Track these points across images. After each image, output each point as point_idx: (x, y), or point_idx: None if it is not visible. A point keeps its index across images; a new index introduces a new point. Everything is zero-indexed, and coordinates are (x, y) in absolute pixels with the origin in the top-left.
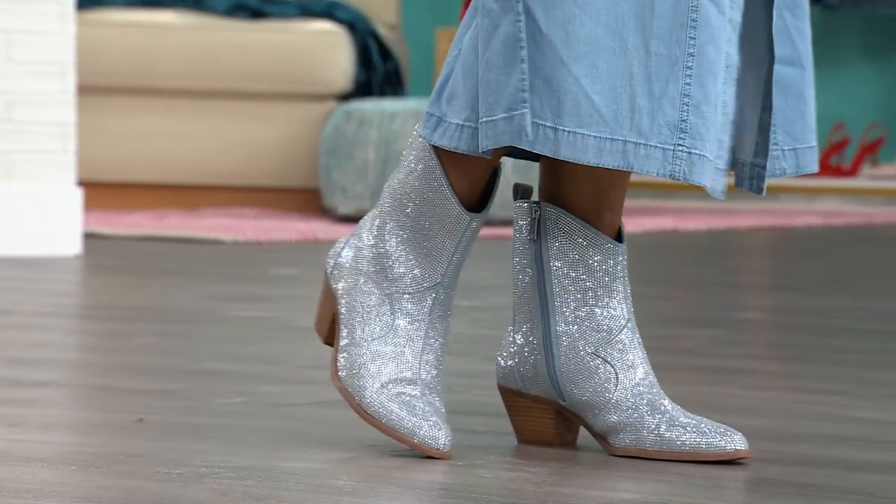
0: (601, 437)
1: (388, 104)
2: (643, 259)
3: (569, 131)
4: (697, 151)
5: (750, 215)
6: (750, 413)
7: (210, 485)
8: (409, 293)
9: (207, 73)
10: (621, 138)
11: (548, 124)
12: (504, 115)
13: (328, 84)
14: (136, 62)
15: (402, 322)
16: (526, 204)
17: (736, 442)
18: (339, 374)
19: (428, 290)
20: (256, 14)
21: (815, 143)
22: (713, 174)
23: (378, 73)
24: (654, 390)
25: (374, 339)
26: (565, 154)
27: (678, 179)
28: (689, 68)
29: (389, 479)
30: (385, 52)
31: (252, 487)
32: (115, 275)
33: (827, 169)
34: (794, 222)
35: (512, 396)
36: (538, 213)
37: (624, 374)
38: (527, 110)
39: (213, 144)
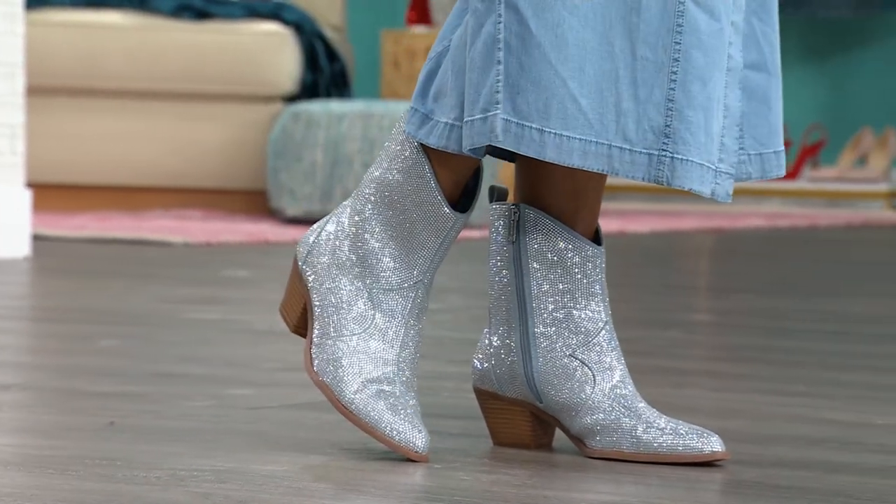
0: (578, 440)
1: (336, 106)
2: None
3: (555, 133)
4: (681, 156)
5: (693, 217)
6: (719, 415)
7: (191, 488)
8: (390, 290)
9: (153, 74)
10: (606, 142)
11: (534, 126)
12: (480, 115)
13: (275, 85)
14: (80, 63)
15: (380, 319)
16: (503, 206)
17: (713, 444)
18: (315, 367)
19: (409, 289)
20: (202, 15)
21: (781, 148)
22: (703, 178)
23: (325, 74)
24: (631, 392)
25: (352, 335)
26: (551, 156)
27: (662, 184)
28: (674, 73)
29: (371, 482)
30: (332, 54)
31: (233, 491)
32: (66, 277)
33: None
34: (739, 224)
35: (488, 398)
36: (517, 214)
37: (601, 376)
38: (499, 111)
39: (158, 146)
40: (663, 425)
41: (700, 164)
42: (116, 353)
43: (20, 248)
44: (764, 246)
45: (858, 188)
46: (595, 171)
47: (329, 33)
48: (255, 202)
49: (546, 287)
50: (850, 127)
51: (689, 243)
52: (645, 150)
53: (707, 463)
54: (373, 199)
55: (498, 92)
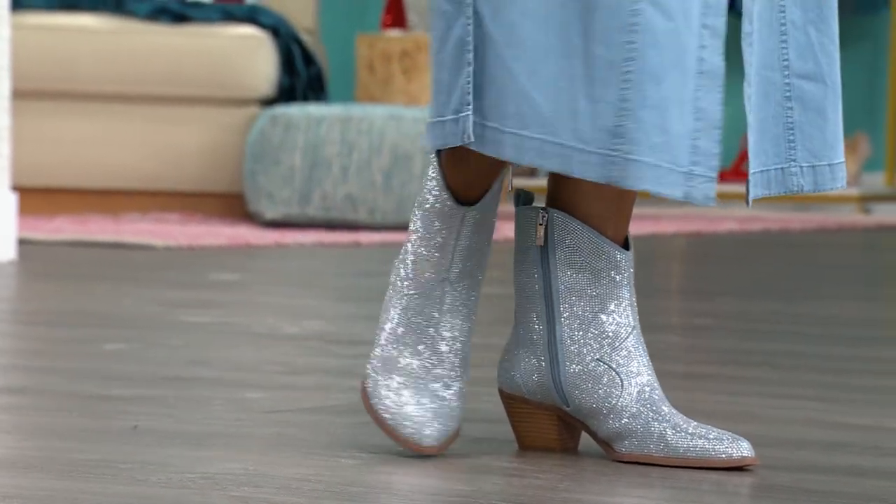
0: (605, 444)
1: (314, 109)
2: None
3: (513, 132)
4: (633, 157)
5: (668, 221)
6: (734, 418)
7: (228, 491)
8: (419, 291)
9: (128, 78)
10: (562, 142)
11: (495, 125)
12: (452, 116)
13: (251, 89)
14: (55, 66)
15: (414, 319)
16: (531, 209)
17: (743, 449)
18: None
19: (436, 285)
20: (178, 18)
21: (837, 161)
22: (663, 179)
23: (301, 78)
24: (658, 396)
25: (396, 336)
26: (509, 155)
27: (615, 184)
28: (629, 72)
29: (405, 486)
30: (308, 58)
31: (270, 494)
32: (55, 281)
33: (738, 175)
34: (715, 228)
35: (514, 402)
36: (545, 218)
37: (628, 381)
38: (470, 112)
39: (134, 149)
40: (692, 430)
41: (655, 164)
42: (122, 357)
43: (6, 251)
44: (742, 249)
45: (829, 192)
46: (554, 170)
47: (303, 36)
48: (233, 205)
49: (574, 291)
50: None
51: (670, 246)
52: (598, 150)
53: (737, 468)
54: (415, 210)
55: (468, 93)
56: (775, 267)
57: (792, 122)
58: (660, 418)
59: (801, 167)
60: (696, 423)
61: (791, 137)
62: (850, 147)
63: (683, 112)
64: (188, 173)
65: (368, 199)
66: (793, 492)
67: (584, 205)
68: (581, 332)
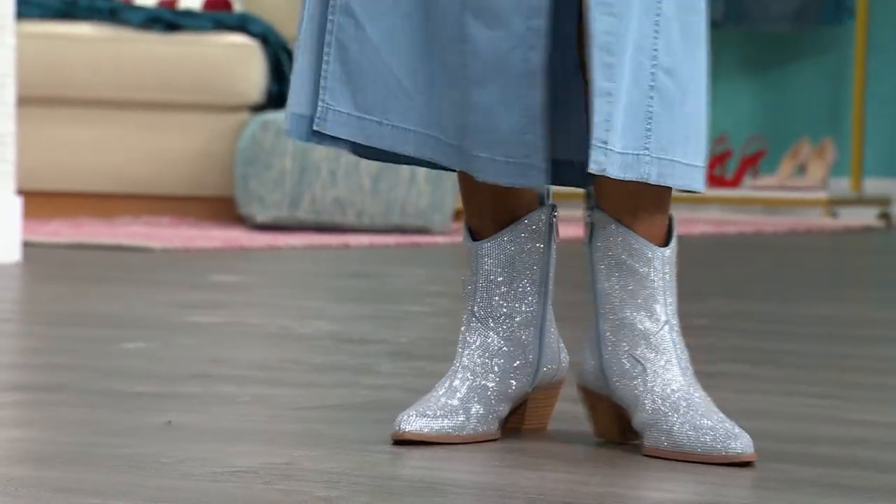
0: (638, 436)
1: None
2: (577, 267)
3: (392, 125)
4: (473, 152)
5: None
6: (751, 415)
7: (273, 485)
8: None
9: (123, 84)
10: (433, 134)
11: (374, 118)
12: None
13: (242, 95)
14: (52, 73)
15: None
16: (586, 211)
17: (739, 446)
18: None
19: (465, 316)
20: (171, 27)
21: (684, 161)
22: (499, 171)
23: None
24: (679, 393)
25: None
26: (388, 144)
27: (472, 175)
28: (463, 78)
29: (441, 480)
30: None
31: (316, 488)
32: (62, 282)
33: (711, 179)
34: (690, 231)
35: (583, 393)
36: (590, 217)
37: (653, 376)
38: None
39: (128, 154)
40: (704, 425)
41: (491, 158)
42: (143, 356)
43: (11, 253)
44: (721, 251)
45: (798, 196)
46: (427, 158)
47: (291, 45)
48: (223, 209)
49: (610, 287)
50: (789, 137)
51: None
52: (454, 143)
53: (736, 464)
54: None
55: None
56: (755, 268)
57: (651, 112)
58: (677, 413)
59: (651, 157)
60: (713, 418)
61: (648, 126)
62: (818, 153)
63: (511, 111)
64: (180, 177)
65: (356, 202)
66: (820, 486)
67: (610, 200)
68: (616, 326)
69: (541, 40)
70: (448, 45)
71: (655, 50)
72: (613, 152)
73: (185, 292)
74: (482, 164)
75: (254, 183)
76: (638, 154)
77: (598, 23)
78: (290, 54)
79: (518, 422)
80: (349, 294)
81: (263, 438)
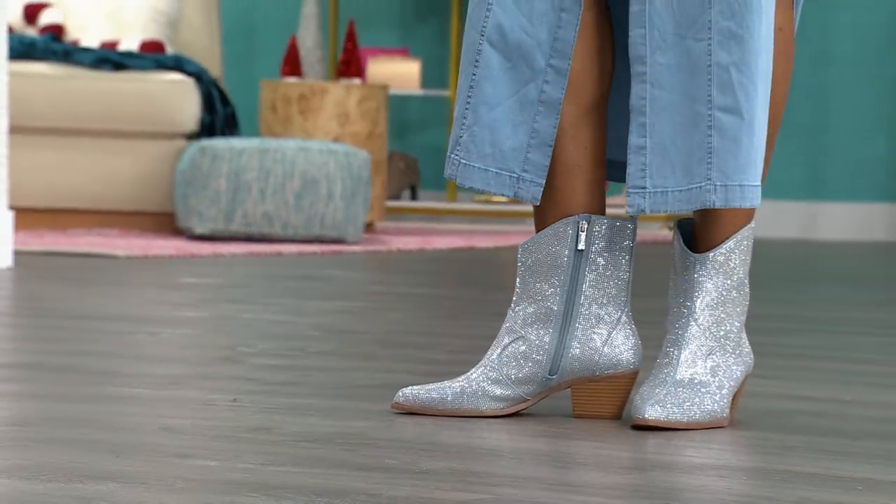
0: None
1: (237, 142)
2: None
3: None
4: (465, 161)
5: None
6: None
7: (373, 448)
8: None
9: (76, 115)
10: (448, 151)
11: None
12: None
13: (178, 125)
14: (14, 105)
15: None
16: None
17: (648, 411)
18: None
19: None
20: (118, 66)
21: (748, 183)
22: (489, 180)
23: (219, 116)
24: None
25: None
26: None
27: (452, 180)
28: (470, 98)
29: (509, 449)
30: (224, 99)
31: (391, 452)
32: (54, 284)
33: None
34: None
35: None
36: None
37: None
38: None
39: (80, 175)
40: (646, 392)
41: (484, 168)
42: (166, 343)
43: (4, 260)
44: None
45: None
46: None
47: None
48: (163, 222)
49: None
50: None
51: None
52: (449, 154)
53: (647, 427)
54: None
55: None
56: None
57: (711, 148)
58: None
59: (715, 185)
60: (666, 387)
61: (709, 160)
62: None
63: (518, 131)
64: (125, 195)
65: (283, 216)
66: (857, 456)
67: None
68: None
69: (559, 78)
70: (466, 68)
71: (710, 96)
72: (653, 193)
73: (168, 292)
74: (470, 173)
75: (193, 200)
76: (700, 185)
77: (634, 88)
78: (219, 90)
79: (577, 408)
80: (310, 293)
81: (336, 408)
